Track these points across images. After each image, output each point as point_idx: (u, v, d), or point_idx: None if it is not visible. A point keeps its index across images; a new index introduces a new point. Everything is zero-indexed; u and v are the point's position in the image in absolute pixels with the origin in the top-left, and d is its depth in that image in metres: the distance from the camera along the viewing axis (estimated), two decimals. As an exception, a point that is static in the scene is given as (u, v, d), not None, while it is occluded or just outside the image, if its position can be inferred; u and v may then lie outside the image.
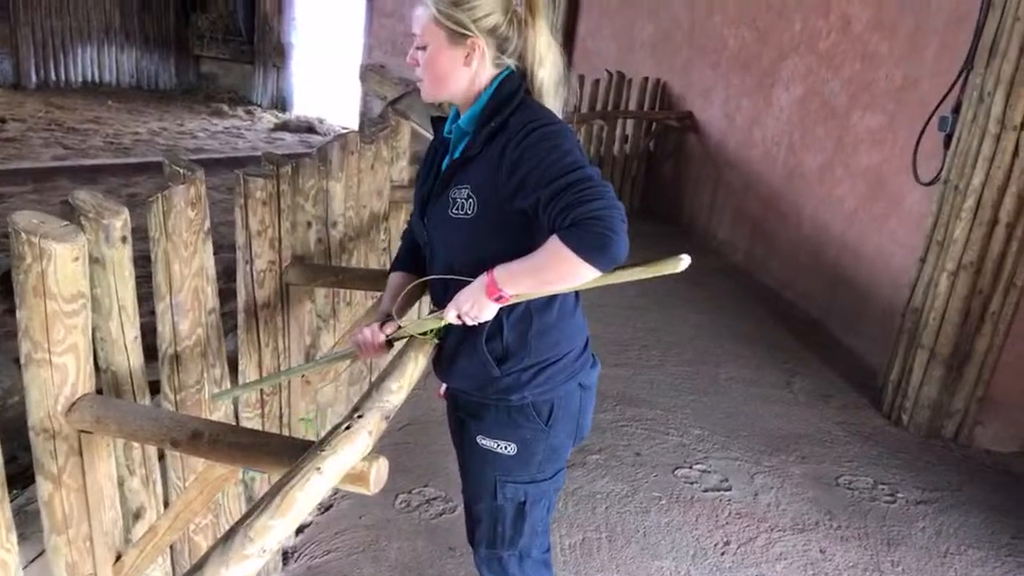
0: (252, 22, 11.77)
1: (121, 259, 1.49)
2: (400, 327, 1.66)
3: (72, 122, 9.25)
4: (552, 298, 1.55)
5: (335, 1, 11.25)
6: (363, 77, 10.83)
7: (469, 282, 1.48)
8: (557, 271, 1.35)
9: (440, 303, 1.62)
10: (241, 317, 2.06)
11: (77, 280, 1.33)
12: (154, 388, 1.68)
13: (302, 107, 11.81)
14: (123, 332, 1.53)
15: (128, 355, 1.55)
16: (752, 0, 5.96)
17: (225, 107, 11.34)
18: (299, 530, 2.50)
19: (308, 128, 10.77)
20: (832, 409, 3.82)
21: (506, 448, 1.62)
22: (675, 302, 4.99)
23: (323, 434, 1.29)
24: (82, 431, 1.38)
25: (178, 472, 1.78)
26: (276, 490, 1.06)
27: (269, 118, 11.20)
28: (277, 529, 1.03)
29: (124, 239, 1.49)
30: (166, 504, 1.73)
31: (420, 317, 1.68)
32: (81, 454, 1.40)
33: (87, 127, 9.15)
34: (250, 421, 2.10)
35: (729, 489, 3.02)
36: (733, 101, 6.23)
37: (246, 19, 11.73)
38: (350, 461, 1.19)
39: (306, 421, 2.40)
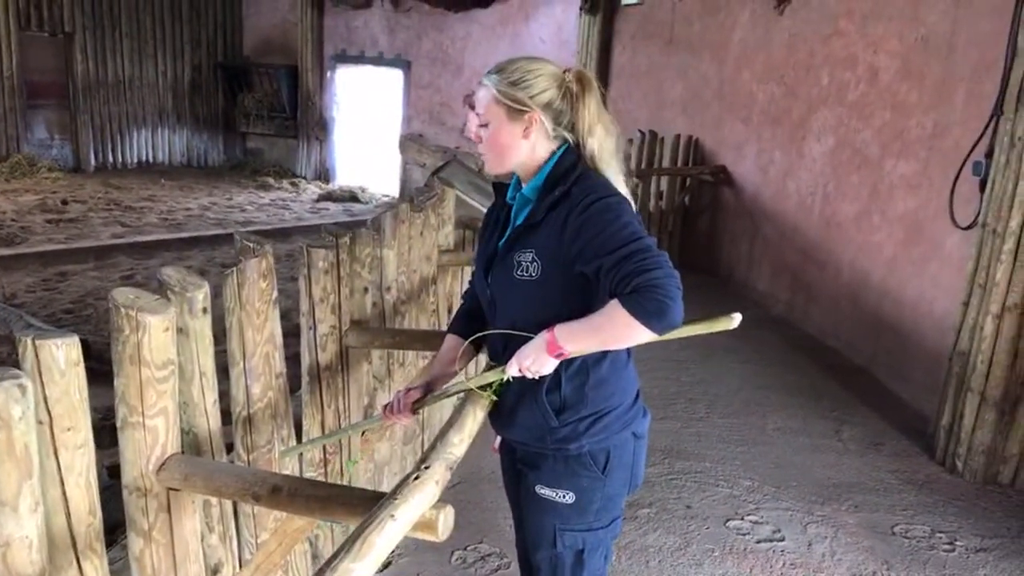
0: (295, 99, 12.29)
1: (203, 329, 1.62)
2: (429, 394, 1.80)
3: (129, 201, 9.71)
4: (606, 352, 1.65)
5: (374, 76, 11.72)
6: (402, 146, 11.21)
7: (529, 338, 1.58)
8: (615, 333, 1.48)
9: (498, 358, 1.72)
10: (305, 380, 2.18)
11: (167, 348, 1.46)
12: (226, 448, 1.80)
13: (344, 177, 12.20)
14: (204, 396, 1.65)
15: (208, 418, 1.67)
16: (779, 57, 6.11)
17: (271, 180, 11.78)
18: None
19: (351, 197, 11.11)
20: (884, 457, 3.79)
21: (564, 496, 1.69)
22: (718, 354, 5.02)
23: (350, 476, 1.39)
24: (170, 488, 1.50)
25: (251, 529, 1.87)
26: (355, 536, 1.15)
27: (313, 189, 11.60)
28: (357, 572, 1.12)
29: (205, 310, 1.63)
30: (240, 560, 1.83)
31: (478, 373, 1.78)
32: (169, 511, 1.51)
33: (143, 205, 9.59)
34: (312, 476, 2.20)
35: (782, 540, 3.01)
36: (765, 154, 6.33)
37: (289, 96, 12.26)
38: (420, 509, 1.28)
39: (350, 462, 2.47)
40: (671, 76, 7.59)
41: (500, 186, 1.89)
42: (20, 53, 10.61)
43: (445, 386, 1.81)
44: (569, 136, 1.68)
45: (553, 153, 1.68)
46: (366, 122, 12.05)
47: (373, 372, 2.57)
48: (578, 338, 1.53)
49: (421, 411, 1.89)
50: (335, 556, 1.12)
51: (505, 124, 1.64)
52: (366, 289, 2.45)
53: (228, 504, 1.74)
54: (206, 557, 1.72)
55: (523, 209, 1.71)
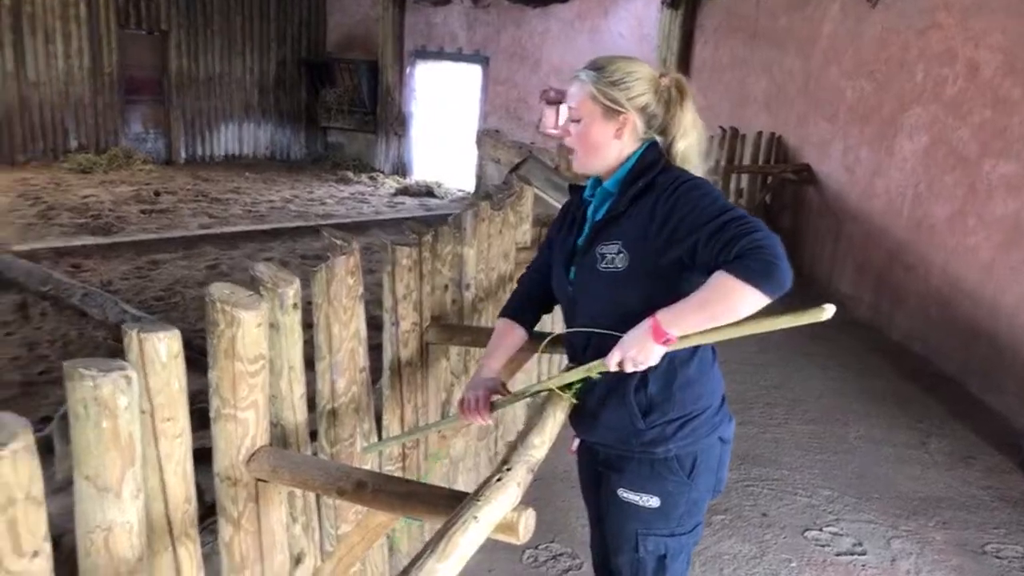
0: (375, 94, 12.51)
1: (292, 324, 1.67)
2: (505, 395, 1.79)
3: (216, 193, 10.06)
4: (693, 352, 1.62)
5: (452, 71, 11.83)
6: (479, 142, 11.29)
7: (613, 336, 1.55)
8: (725, 302, 1.40)
9: (579, 358, 1.71)
10: (386, 375, 2.22)
11: (259, 343, 1.51)
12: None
13: (421, 172, 12.37)
14: (292, 390, 1.70)
15: (295, 411, 1.72)
16: (870, 52, 5.89)
17: (350, 174, 12.03)
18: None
19: (427, 192, 11.25)
20: (975, 472, 3.62)
21: (648, 501, 1.67)
22: (797, 358, 4.88)
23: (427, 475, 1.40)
24: (259, 479, 1.55)
25: (332, 521, 1.92)
26: (440, 536, 1.17)
27: (391, 183, 11.79)
28: (442, 572, 1.13)
29: (295, 306, 1.67)
30: (321, 550, 1.87)
31: (558, 372, 1.78)
32: (258, 500, 1.56)
33: (228, 197, 9.93)
34: (392, 474, 2.23)
35: (864, 553, 2.92)
36: (852, 152, 6.12)
37: (369, 92, 12.49)
38: (502, 511, 1.29)
39: (433, 456, 2.50)
40: (754, 71, 7.41)
41: (575, 187, 1.89)
42: (120, 50, 11.12)
43: (523, 387, 1.81)
44: (659, 138, 1.67)
45: (636, 149, 1.67)
46: (443, 117, 12.18)
47: (451, 368, 2.60)
48: (684, 318, 1.44)
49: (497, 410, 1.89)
50: (420, 555, 1.13)
51: (598, 122, 1.64)
52: (446, 286, 2.47)
53: (311, 496, 1.78)
54: (290, 547, 1.77)
55: (604, 203, 1.71)
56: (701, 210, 1.48)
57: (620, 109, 1.63)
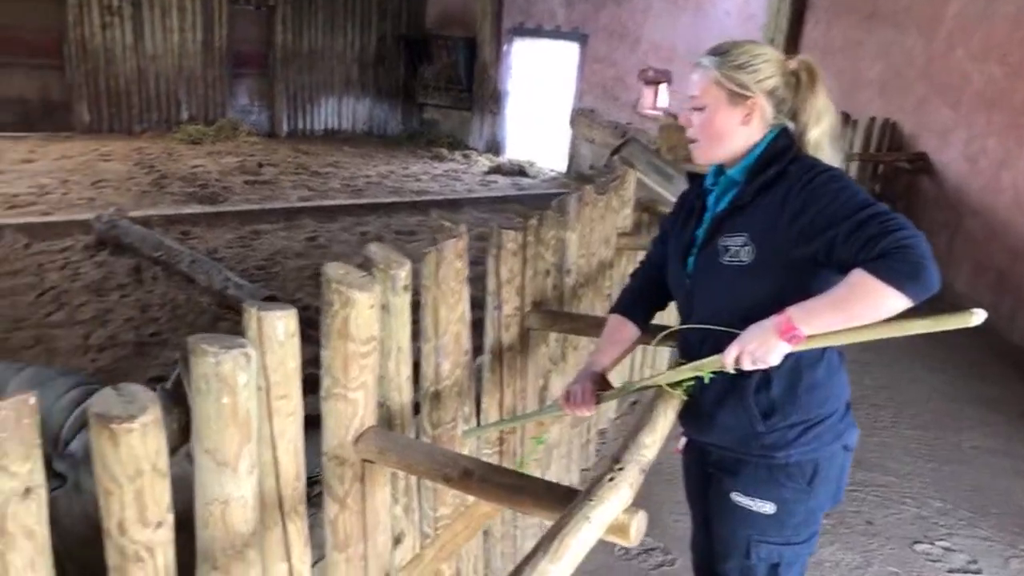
0: (472, 71, 12.54)
1: (403, 306, 1.66)
2: (611, 389, 1.74)
3: (315, 166, 10.32)
4: (822, 353, 1.53)
5: (549, 49, 11.72)
6: (573, 122, 11.17)
7: (733, 333, 1.47)
8: (864, 303, 1.30)
9: (693, 355, 1.64)
10: (487, 359, 2.20)
11: (372, 325, 1.50)
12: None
13: (514, 151, 12.35)
14: (399, 371, 1.70)
15: (401, 392, 1.71)
16: (1002, 32, 5.48)
17: (445, 151, 12.12)
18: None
19: (520, 171, 11.22)
20: (1106, 492, 3.35)
21: (763, 507, 1.60)
22: (905, 359, 4.64)
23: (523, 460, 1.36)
24: (366, 460, 1.55)
25: (430, 503, 1.92)
26: (552, 536, 1.14)
27: (484, 162, 11.82)
28: (554, 574, 1.10)
29: (406, 288, 1.66)
30: (421, 532, 1.88)
31: (668, 368, 1.71)
32: (363, 481, 1.57)
33: (327, 171, 10.17)
34: (489, 458, 2.22)
35: (979, 572, 2.74)
36: (977, 142, 5.73)
37: (466, 69, 12.52)
38: (614, 512, 1.24)
39: (535, 440, 2.47)
40: (869, 53, 7.02)
41: (694, 174, 1.81)
42: (229, 25, 11.50)
43: (629, 382, 1.76)
44: (790, 124, 1.57)
45: (765, 135, 1.58)
46: (538, 96, 12.09)
47: (549, 355, 2.57)
48: (817, 316, 1.34)
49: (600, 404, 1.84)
50: (532, 555, 1.10)
51: (724, 109, 1.56)
52: (548, 271, 2.43)
53: (413, 477, 1.78)
54: (391, 527, 1.78)
55: (727, 193, 1.63)
56: (840, 204, 1.38)
57: (747, 93, 1.55)
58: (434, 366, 1.86)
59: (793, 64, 1.58)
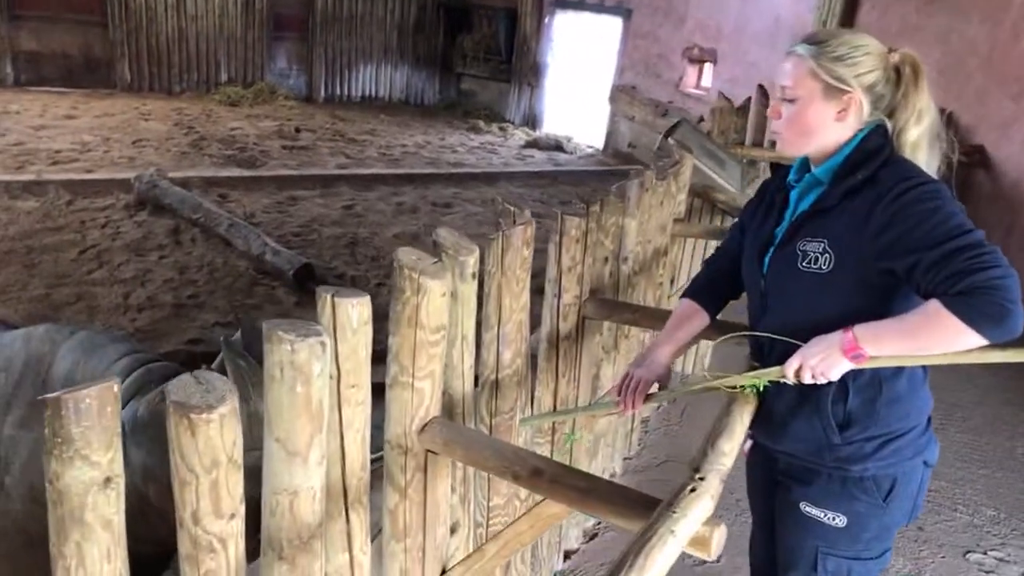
0: (512, 43, 12.36)
1: (470, 293, 1.61)
2: (664, 389, 1.70)
3: (352, 133, 10.27)
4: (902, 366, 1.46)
5: (592, 22, 11.51)
6: (613, 98, 10.98)
7: (800, 345, 1.42)
8: (937, 336, 1.27)
9: (762, 360, 1.58)
10: (543, 347, 2.15)
11: (442, 313, 1.46)
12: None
13: (551, 125, 12.19)
14: (463, 359, 1.65)
15: (464, 381, 1.67)
16: (1074, 24, 5.26)
17: (481, 123, 12.00)
18: (567, 556, 2.56)
19: (556, 146, 11.09)
20: None
21: (834, 519, 1.54)
22: (955, 358, 4.51)
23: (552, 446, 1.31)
24: (429, 451, 1.51)
25: (483, 492, 1.89)
26: (637, 551, 1.09)
27: (521, 135, 11.69)
28: (641, 590, 1.05)
29: (474, 275, 1.61)
30: (474, 520, 1.85)
31: (736, 372, 1.65)
32: (425, 471, 1.53)
33: (364, 138, 10.11)
34: (540, 447, 2.18)
35: (1032, 586, 2.67)
36: (1039, 137, 5.53)
37: (506, 40, 12.35)
38: (697, 524, 1.19)
39: (569, 436, 2.43)
40: (928, 40, 6.78)
41: (777, 165, 1.73)
42: (270, -13, 11.43)
43: (685, 382, 1.70)
44: (888, 122, 1.48)
45: (856, 133, 1.49)
46: (578, 70, 11.90)
47: (602, 344, 2.51)
48: (884, 340, 1.31)
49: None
50: (619, 570, 1.06)
51: (817, 102, 1.47)
52: (606, 259, 2.37)
53: (470, 468, 1.74)
54: (446, 515, 1.75)
55: (810, 192, 1.54)
56: (930, 227, 1.29)
57: (845, 87, 1.45)
58: (495, 354, 1.81)
59: (895, 57, 1.48)
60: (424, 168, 8.93)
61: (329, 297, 1.26)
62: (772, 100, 1.56)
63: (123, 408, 2.14)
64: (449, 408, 1.67)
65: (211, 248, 5.98)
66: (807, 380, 1.40)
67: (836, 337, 1.35)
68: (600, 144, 11.31)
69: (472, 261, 1.58)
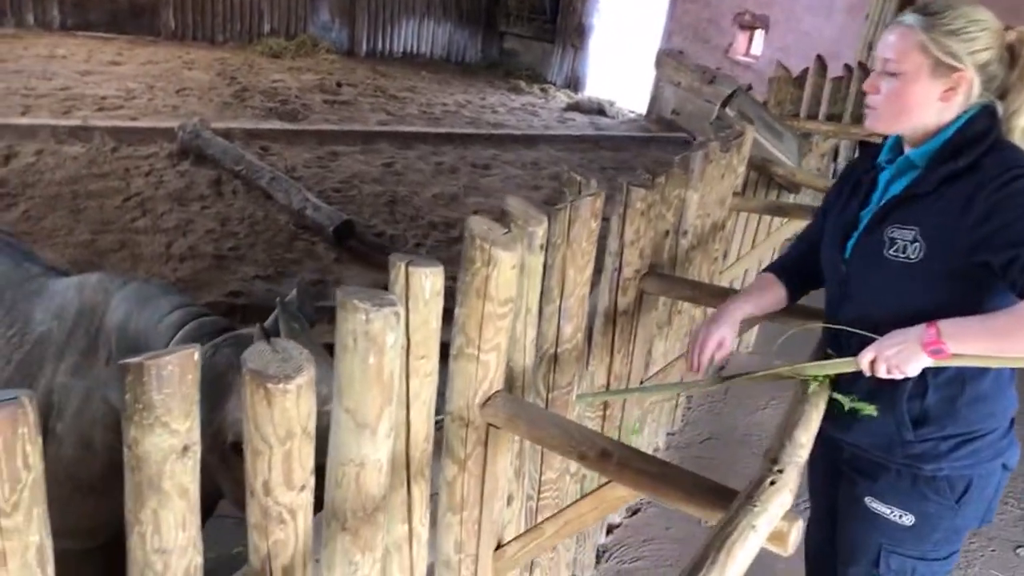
0: (557, 2, 12.11)
1: (537, 265, 1.56)
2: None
3: (393, 89, 10.18)
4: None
5: (641, -17, 11.23)
6: (659, 62, 10.74)
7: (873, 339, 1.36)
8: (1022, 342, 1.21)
9: (841, 347, 1.52)
10: (599, 321, 2.10)
11: (512, 285, 1.41)
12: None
13: (593, 88, 11.99)
14: (525, 332, 1.61)
15: (525, 354, 1.63)
16: None
17: (523, 84, 11.83)
18: (609, 530, 2.54)
19: (599, 110, 10.91)
20: None
21: (902, 517, 1.49)
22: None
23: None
24: (491, 424, 1.48)
25: (536, 464, 1.86)
26: (719, 546, 1.05)
27: (562, 97, 11.51)
28: (723, 587, 1.02)
29: (542, 246, 1.56)
30: (526, 494, 1.82)
31: (807, 361, 1.59)
32: (486, 445, 1.50)
33: (405, 95, 10.02)
34: (591, 422, 2.15)
35: (1084, 585, 2.60)
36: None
37: (551, -1, 12.12)
38: (777, 518, 1.15)
39: (634, 432, 2.41)
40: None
41: (867, 144, 1.64)
42: (314, -63, 11.27)
43: (756, 370, 1.63)
44: (998, 104, 1.39)
45: (960, 114, 1.39)
46: (624, 33, 11.64)
47: (656, 320, 2.46)
48: (969, 338, 1.25)
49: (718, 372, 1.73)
50: (699, 566, 1.02)
51: (924, 79, 1.37)
52: (667, 232, 2.30)
53: (527, 441, 1.71)
54: (500, 488, 1.72)
55: (902, 176, 1.46)
56: None
57: (956, 65, 1.35)
58: (555, 328, 1.77)
59: (1012, 35, 1.38)
60: (464, 128, 8.83)
61: (403, 266, 1.22)
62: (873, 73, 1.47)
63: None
64: (509, 381, 1.63)
65: (252, 201, 5.98)
66: (881, 374, 1.34)
67: (917, 331, 1.29)
68: (643, 110, 11.11)
69: (541, 232, 1.53)
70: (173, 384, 0.88)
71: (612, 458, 1.34)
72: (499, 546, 1.60)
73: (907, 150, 1.47)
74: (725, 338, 1.64)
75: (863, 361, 1.36)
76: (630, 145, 9.63)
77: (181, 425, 0.90)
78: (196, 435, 0.93)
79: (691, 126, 10.25)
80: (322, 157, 7.26)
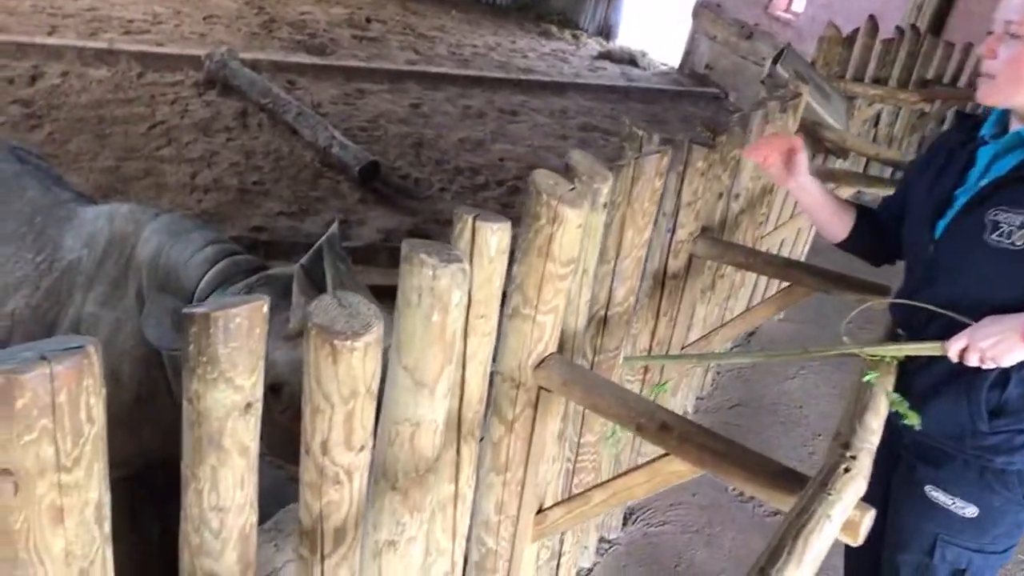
0: (594, -56, 11.74)
1: (598, 224, 1.49)
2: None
3: (422, 28, 9.93)
4: None
5: (682, -71, 10.83)
6: (696, 14, 10.43)
7: (968, 323, 1.29)
8: None
9: (915, 329, 1.44)
10: (647, 284, 2.03)
11: (575, 246, 1.34)
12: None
13: (626, 38, 11.67)
14: (580, 294, 1.55)
15: (578, 316, 1.57)
16: None
17: (554, 29, 11.52)
18: (637, 492, 2.51)
19: (630, 60, 10.64)
20: None
21: (964, 509, 1.43)
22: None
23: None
24: (543, 388, 1.43)
25: (576, 427, 1.82)
26: (795, 534, 1.00)
27: (593, 45, 11.22)
28: (798, 579, 0.97)
29: (605, 205, 1.48)
30: (565, 456, 1.78)
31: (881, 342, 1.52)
32: (536, 407, 1.45)
33: (434, 35, 9.78)
34: (630, 385, 2.10)
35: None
36: None
37: (589, -59, 11.73)
38: (851, 506, 1.09)
39: (658, 387, 2.35)
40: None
41: (965, 115, 1.53)
42: None
43: (823, 346, 1.56)
44: None
45: None
46: (662, -20, 11.29)
47: (701, 283, 2.38)
48: None
49: None
50: (774, 557, 0.97)
51: None
52: (721, 195, 2.22)
53: (572, 404, 1.66)
54: (541, 450, 1.68)
55: (1009, 153, 1.35)
56: None
57: None
58: (608, 290, 1.70)
59: None
60: (493, 71, 8.62)
61: (470, 219, 1.15)
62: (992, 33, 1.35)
63: (208, 298, 2.09)
64: (560, 344, 1.57)
65: (277, 135, 5.88)
66: (972, 363, 1.27)
67: (1017, 321, 1.22)
68: (676, 62, 10.82)
69: (606, 189, 1.46)
70: (240, 338, 0.82)
71: (672, 432, 1.28)
72: (540, 510, 1.56)
73: (1017, 125, 1.36)
74: (798, 144, 1.55)
75: (952, 348, 1.29)
76: (661, 98, 9.40)
77: (246, 381, 0.85)
78: (260, 392, 0.88)
79: (724, 82, 9.99)
80: (349, 94, 7.12)
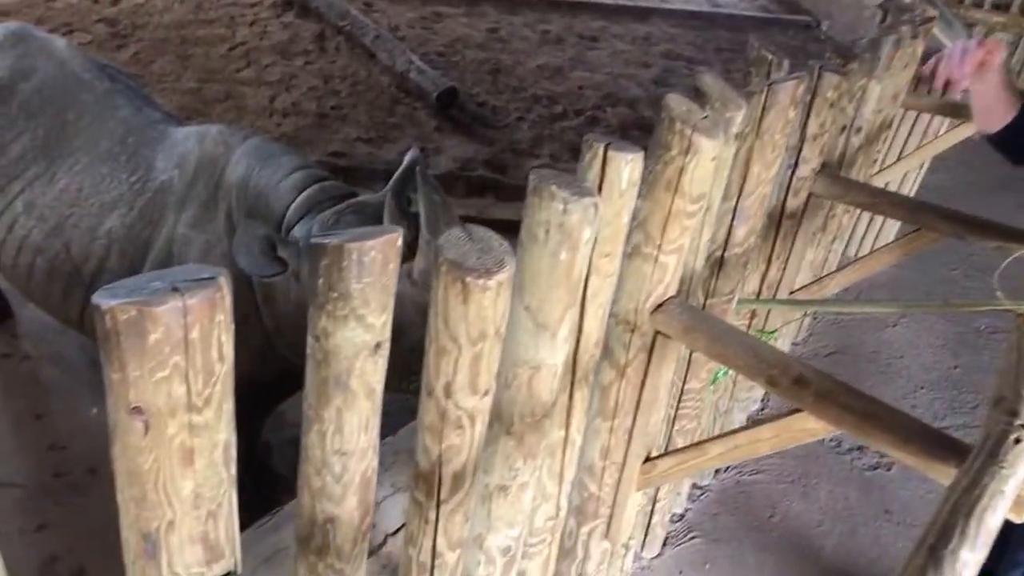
0: None
1: (728, 157, 1.37)
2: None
3: (500, -52, 9.55)
4: None
5: None
6: (791, -67, 9.74)
7: None
8: None
9: None
10: (762, 223, 1.89)
11: (707, 181, 1.22)
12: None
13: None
14: (701, 232, 1.44)
15: (697, 255, 1.47)
16: None
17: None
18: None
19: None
20: None
21: None
22: None
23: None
24: (660, 332, 1.33)
25: (679, 374, 1.72)
26: (968, 511, 0.89)
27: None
28: (972, 563, 0.87)
29: (737, 136, 1.35)
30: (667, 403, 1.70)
31: None
32: (651, 353, 1.36)
33: (512, -45, 9.40)
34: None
35: None
36: None
37: None
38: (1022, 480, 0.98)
39: (767, 334, 2.24)
40: None
41: None
42: None
43: (964, 299, 1.42)
44: None
45: None
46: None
47: (812, 226, 2.22)
48: None
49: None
50: (947, 535, 0.87)
51: None
52: (843, 128, 2.04)
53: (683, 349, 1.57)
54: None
55: None
56: None
57: None
58: (727, 229, 1.58)
59: None
60: (581, -1, 8.27)
61: (601, 148, 1.05)
62: None
63: (298, 224, 2.05)
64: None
65: (355, 59, 5.78)
66: None
67: None
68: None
69: (739, 119, 1.32)
70: (374, 273, 0.74)
71: (810, 387, 1.18)
72: (648, 459, 1.49)
73: None
74: (996, 48, 1.46)
75: None
76: (748, 26, 8.88)
77: (377, 319, 0.78)
78: (389, 331, 0.81)
79: (817, 9, 9.39)
80: (426, 17, 6.93)
